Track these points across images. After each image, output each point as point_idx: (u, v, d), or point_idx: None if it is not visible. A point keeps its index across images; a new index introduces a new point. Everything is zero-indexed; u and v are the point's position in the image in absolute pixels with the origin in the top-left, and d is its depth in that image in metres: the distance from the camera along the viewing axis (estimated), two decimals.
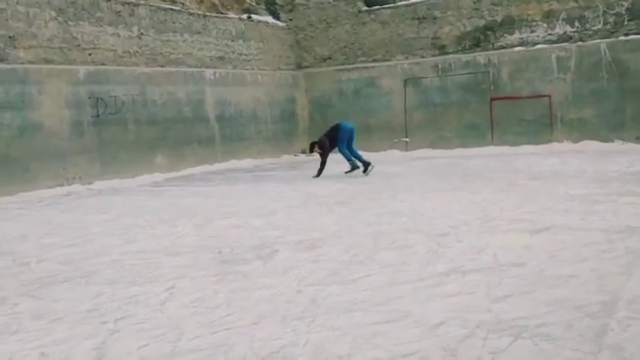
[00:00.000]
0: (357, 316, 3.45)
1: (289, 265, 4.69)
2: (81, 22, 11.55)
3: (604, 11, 13.48)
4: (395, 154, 15.06)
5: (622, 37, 13.28)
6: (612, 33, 13.40)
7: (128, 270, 4.85)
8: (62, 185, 10.99)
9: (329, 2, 16.47)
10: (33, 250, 5.86)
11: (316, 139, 11.18)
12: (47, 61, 11.01)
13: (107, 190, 10.75)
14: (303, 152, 16.60)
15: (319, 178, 10.81)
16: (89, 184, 11.34)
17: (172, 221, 7.05)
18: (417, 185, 9.14)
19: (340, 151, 10.95)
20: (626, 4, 13.25)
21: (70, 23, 11.37)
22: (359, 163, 10.91)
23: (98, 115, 11.78)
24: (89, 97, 11.64)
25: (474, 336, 3.04)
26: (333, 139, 10.92)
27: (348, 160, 10.95)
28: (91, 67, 11.71)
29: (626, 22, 13.28)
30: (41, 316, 3.80)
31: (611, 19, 13.42)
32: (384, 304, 3.62)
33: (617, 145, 13.06)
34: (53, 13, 11.12)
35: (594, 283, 3.78)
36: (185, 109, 13.61)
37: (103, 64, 11.92)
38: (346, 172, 10.96)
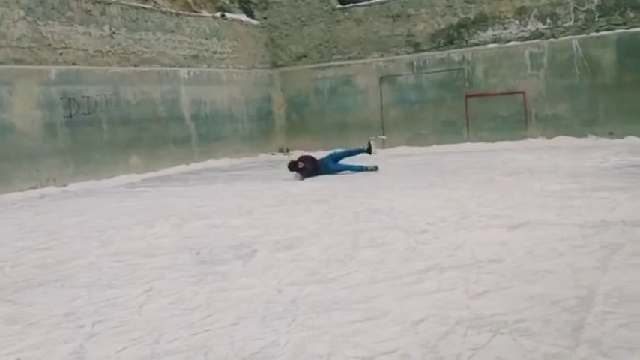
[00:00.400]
0: (337, 314, 3.46)
1: (268, 265, 4.69)
2: (51, 22, 11.38)
3: (575, 8, 13.67)
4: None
5: (593, 34, 13.48)
6: (583, 29, 13.60)
7: (105, 272, 4.81)
8: (36, 188, 10.82)
9: (303, 0, 16.45)
10: (7, 254, 5.77)
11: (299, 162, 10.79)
12: (17, 61, 10.82)
13: (82, 192, 10.62)
14: (281, 151, 16.60)
15: (296, 178, 10.77)
16: (64, 186, 11.19)
17: (149, 222, 7.00)
18: (394, 183, 9.18)
19: (336, 170, 10.83)
20: (596, 0, 13.46)
21: (39, 23, 11.20)
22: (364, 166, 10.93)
23: (71, 116, 11.62)
24: (61, 98, 11.48)
25: (453, 332, 3.07)
26: (315, 169, 10.75)
27: (351, 169, 10.87)
28: (63, 67, 11.55)
29: (596, 19, 13.48)
30: (16, 321, 3.74)
31: (581, 16, 13.61)
32: (363, 302, 3.63)
33: (590, 141, 13.24)
34: (22, 13, 10.94)
35: (571, 277, 3.84)
36: (160, 108, 13.50)
37: (74, 63, 11.77)
38: (370, 170, 10.85)
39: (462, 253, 4.64)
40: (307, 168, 10.57)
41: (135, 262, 5.10)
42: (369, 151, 11.22)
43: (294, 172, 10.59)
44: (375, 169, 10.85)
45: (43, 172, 11.09)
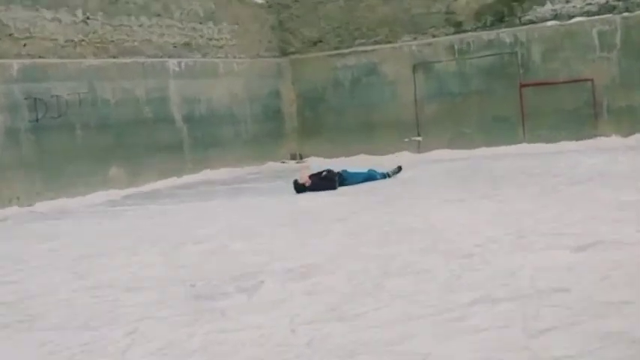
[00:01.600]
0: None
1: (279, 299, 4.69)
2: (12, 6, 11.55)
3: None
4: (405, 156, 15.08)
5: None
6: None
7: (80, 311, 4.84)
8: None
9: None
10: None
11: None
12: None
13: (52, 213, 10.72)
14: (293, 158, 16.64)
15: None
16: (29, 205, 11.29)
17: (133, 249, 7.04)
18: (433, 194, 9.16)
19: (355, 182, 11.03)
20: None
21: None
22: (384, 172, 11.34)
23: (37, 120, 11.76)
24: (25, 98, 11.61)
25: None
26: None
27: (373, 178, 11.16)
28: (27, 61, 11.70)
29: None
30: None
31: None
32: (396, 345, 3.62)
33: None
34: None
35: None
36: (145, 109, 13.61)
37: (41, 56, 11.92)
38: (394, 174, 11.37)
39: (518, 281, 4.62)
40: (319, 182, 10.68)
41: (116, 297, 5.14)
42: (395, 173, 11.48)
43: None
44: (398, 170, 11.06)
45: (4, 189, 11.21)
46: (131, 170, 13.13)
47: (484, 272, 4.93)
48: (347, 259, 5.76)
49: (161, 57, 14.06)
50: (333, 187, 10.60)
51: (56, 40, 12.18)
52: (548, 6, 14.45)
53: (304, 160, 16.36)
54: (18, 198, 11.34)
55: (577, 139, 13.92)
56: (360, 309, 4.31)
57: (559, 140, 14.12)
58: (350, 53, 16.26)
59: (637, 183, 8.43)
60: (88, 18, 12.71)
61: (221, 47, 15.52)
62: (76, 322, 4.58)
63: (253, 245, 6.70)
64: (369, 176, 11.26)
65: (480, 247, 5.70)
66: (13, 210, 11.02)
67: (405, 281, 4.88)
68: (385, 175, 11.32)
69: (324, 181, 10.73)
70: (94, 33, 12.80)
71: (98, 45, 12.88)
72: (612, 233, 5.75)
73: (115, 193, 12.35)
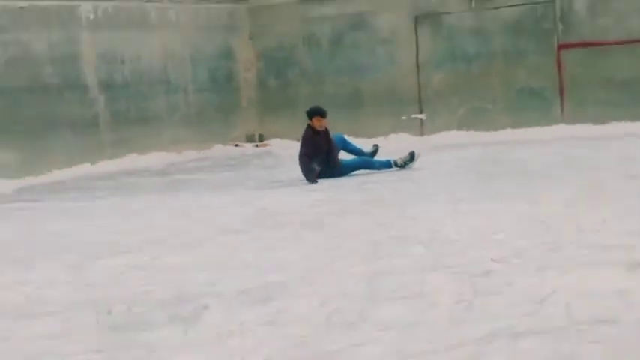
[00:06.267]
0: None
1: (227, 331, 4.69)
2: None
3: None
4: (404, 139, 15.13)
5: None
6: None
7: None
8: None
9: None
10: None
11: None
12: None
13: None
14: (250, 141, 16.62)
15: (275, 184, 10.83)
16: None
17: (29, 261, 6.98)
18: (439, 192, 9.20)
19: (348, 168, 11.23)
20: None
21: None
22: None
23: None
24: None
25: None
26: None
27: (373, 167, 11.29)
28: None
29: None
30: None
31: None
32: None
33: None
34: None
35: None
36: (47, 70, 13.53)
37: None
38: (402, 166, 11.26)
39: (549, 308, 4.64)
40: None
41: (6, 327, 5.10)
42: (406, 162, 11.34)
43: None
44: (411, 160, 11.09)
45: None
46: (27, 154, 13.06)
47: (505, 297, 4.95)
48: (321, 277, 5.75)
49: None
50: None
51: None
52: None
53: (266, 143, 16.38)
54: None
55: (633, 120, 14.06)
56: (338, 344, 4.32)
57: (609, 121, 14.25)
58: (329, 0, 16.27)
59: None
60: None
61: None
62: None
63: (195, 258, 6.68)
64: (363, 164, 11.28)
65: (501, 264, 5.74)
66: None
67: (398, 308, 4.88)
68: (389, 164, 11.24)
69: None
70: None
71: None
72: None
73: (3, 185, 12.26)
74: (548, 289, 5.02)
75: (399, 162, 11.14)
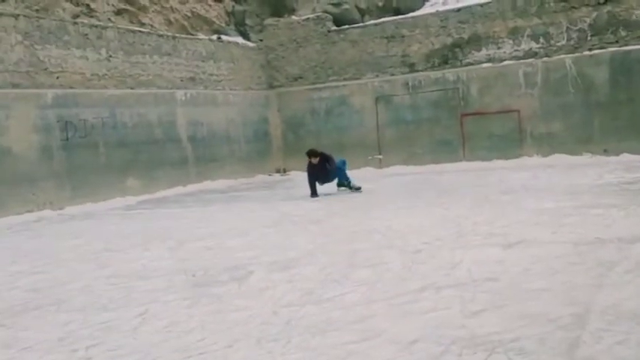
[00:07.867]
0: (333, 335, 3.44)
1: (264, 286, 4.67)
2: (48, 46, 11.45)
3: (567, 27, 13.78)
4: (369, 171, 15.13)
5: (586, 52, 13.58)
6: (576, 48, 13.70)
7: (99, 296, 4.78)
8: (32, 211, 10.79)
9: (298, 22, 16.59)
10: (2, 277, 5.74)
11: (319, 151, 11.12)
12: (14, 85, 10.87)
13: (79, 215, 10.59)
14: (278, 172, 16.62)
15: (293, 198, 10.80)
16: (60, 209, 11.16)
17: (145, 245, 6.98)
18: (390, 202, 9.18)
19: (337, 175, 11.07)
20: (588, 20, 13.58)
21: (36, 47, 11.26)
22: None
23: (67, 139, 11.64)
24: (58, 121, 11.50)
25: (448, 352, 3.06)
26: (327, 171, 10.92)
27: (346, 183, 11.06)
28: (59, 91, 11.59)
29: (589, 38, 13.59)
30: (10, 345, 3.71)
31: (574, 35, 13.72)
32: (359, 323, 3.62)
33: (586, 159, 13.25)
34: (19, 37, 11.01)
35: (566, 295, 3.83)
36: (156, 130, 13.53)
37: (71, 87, 11.81)
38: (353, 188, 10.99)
39: (458, 272, 4.63)
40: (320, 167, 10.76)
41: (129, 285, 5.08)
42: (349, 185, 11.06)
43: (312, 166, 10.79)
44: (357, 189, 10.89)
45: (40, 195, 11.07)
46: (144, 180, 13.04)
47: (430, 264, 4.94)
48: (320, 254, 5.74)
49: (170, 88, 14.00)
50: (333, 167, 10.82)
51: (84, 73, 12.08)
52: (484, 51, 14.61)
53: (287, 173, 16.37)
54: (51, 202, 11.19)
55: (506, 159, 14.07)
56: (330, 294, 4.30)
57: (492, 159, 14.26)
58: (325, 87, 16.30)
59: (553, 195, 8.52)
60: (110, 56, 12.63)
61: (220, 81, 15.48)
62: (96, 305, 4.52)
63: (244, 242, 6.67)
64: (343, 174, 11.09)
65: (428, 245, 5.72)
66: (47, 212, 10.88)
67: (367, 272, 4.87)
68: (350, 184, 10.97)
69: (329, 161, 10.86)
70: (115, 68, 12.72)
71: (119, 78, 12.79)
72: (533, 234, 5.80)
73: (131, 199, 12.26)
74: (457, 260, 5.02)
75: (354, 186, 10.96)
